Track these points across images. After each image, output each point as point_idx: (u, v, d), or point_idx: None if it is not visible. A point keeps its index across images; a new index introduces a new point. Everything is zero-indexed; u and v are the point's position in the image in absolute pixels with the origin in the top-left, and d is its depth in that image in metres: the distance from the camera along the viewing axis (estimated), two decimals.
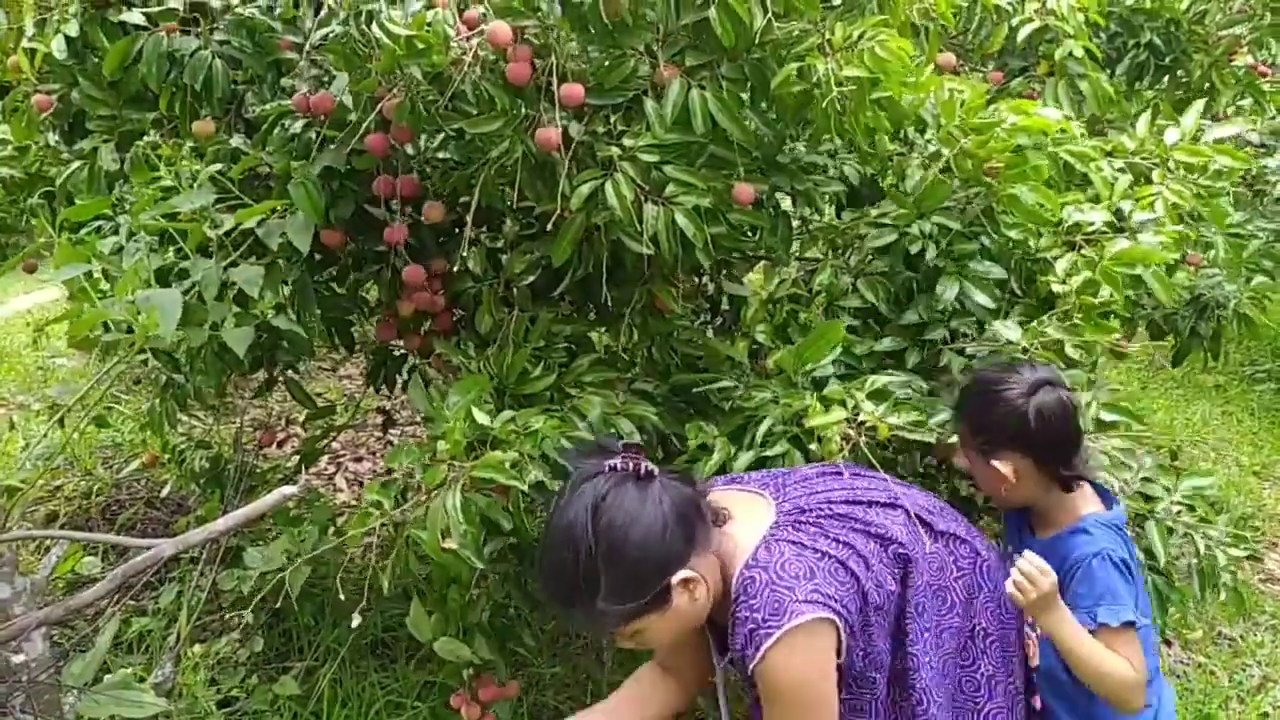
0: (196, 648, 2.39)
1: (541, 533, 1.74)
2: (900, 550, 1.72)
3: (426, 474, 1.99)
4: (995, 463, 1.87)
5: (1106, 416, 2.07)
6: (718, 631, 1.82)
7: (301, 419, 3.74)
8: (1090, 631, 1.77)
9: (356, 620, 2.07)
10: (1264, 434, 4.94)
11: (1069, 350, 1.99)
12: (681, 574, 1.63)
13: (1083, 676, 1.77)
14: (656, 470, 1.68)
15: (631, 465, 1.66)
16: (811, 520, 1.73)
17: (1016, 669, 1.85)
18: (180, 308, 1.90)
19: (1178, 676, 3.26)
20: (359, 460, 4.31)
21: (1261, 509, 4.30)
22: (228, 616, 2.71)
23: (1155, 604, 2.03)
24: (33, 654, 1.74)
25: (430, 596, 2.43)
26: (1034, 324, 2.07)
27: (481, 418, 2.03)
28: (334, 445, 4.38)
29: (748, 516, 1.76)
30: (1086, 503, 1.90)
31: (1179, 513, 2.02)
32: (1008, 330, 2.07)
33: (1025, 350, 2.05)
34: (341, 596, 2.24)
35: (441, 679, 2.67)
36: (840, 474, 1.87)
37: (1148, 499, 2.04)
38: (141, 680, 1.72)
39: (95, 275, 2.09)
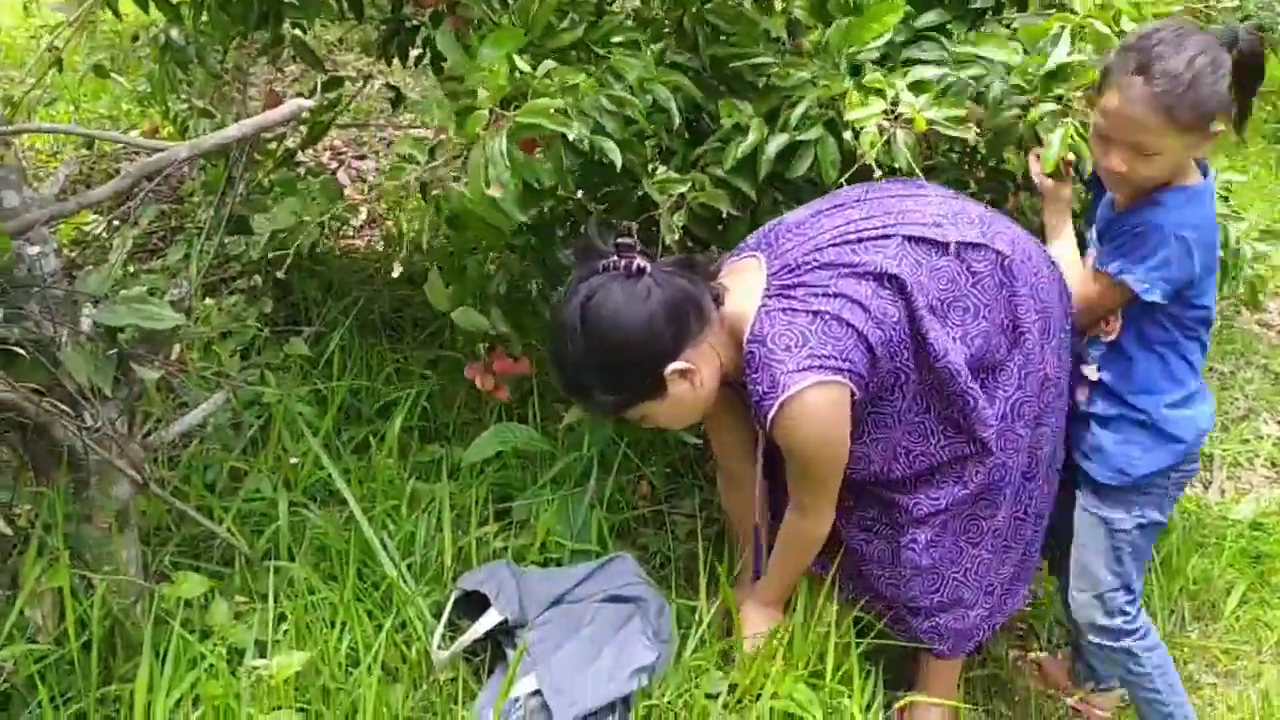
0: (208, 300, 2.39)
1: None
2: (896, 279, 1.73)
3: (466, 124, 1.90)
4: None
5: None
6: None
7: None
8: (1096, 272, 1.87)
9: (398, 269, 2.04)
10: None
11: (1126, 24, 1.89)
12: (674, 366, 1.71)
13: None
14: (649, 266, 1.72)
15: (624, 263, 1.70)
16: (799, 280, 1.76)
17: (1050, 358, 1.85)
18: None
19: None
20: (362, 159, 4.22)
21: (1265, 260, 4.29)
22: (235, 279, 2.71)
23: None
24: (46, 267, 1.72)
25: (448, 268, 2.41)
26: None
27: (524, 66, 1.93)
28: (336, 143, 4.29)
29: (742, 287, 1.80)
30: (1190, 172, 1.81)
31: None
32: None
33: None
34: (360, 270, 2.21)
35: (451, 353, 2.72)
36: (838, 207, 1.86)
37: None
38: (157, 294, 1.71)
39: None
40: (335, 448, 2.36)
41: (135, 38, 2.83)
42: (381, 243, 3.51)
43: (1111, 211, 1.88)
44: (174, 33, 2.73)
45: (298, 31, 2.69)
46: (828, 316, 1.70)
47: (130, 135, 2.35)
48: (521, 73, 1.91)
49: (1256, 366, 3.59)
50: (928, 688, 2.05)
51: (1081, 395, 1.96)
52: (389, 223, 3.62)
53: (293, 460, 2.15)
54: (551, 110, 1.83)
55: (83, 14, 1.85)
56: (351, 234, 3.65)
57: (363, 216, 3.73)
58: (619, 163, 1.93)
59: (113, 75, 3.20)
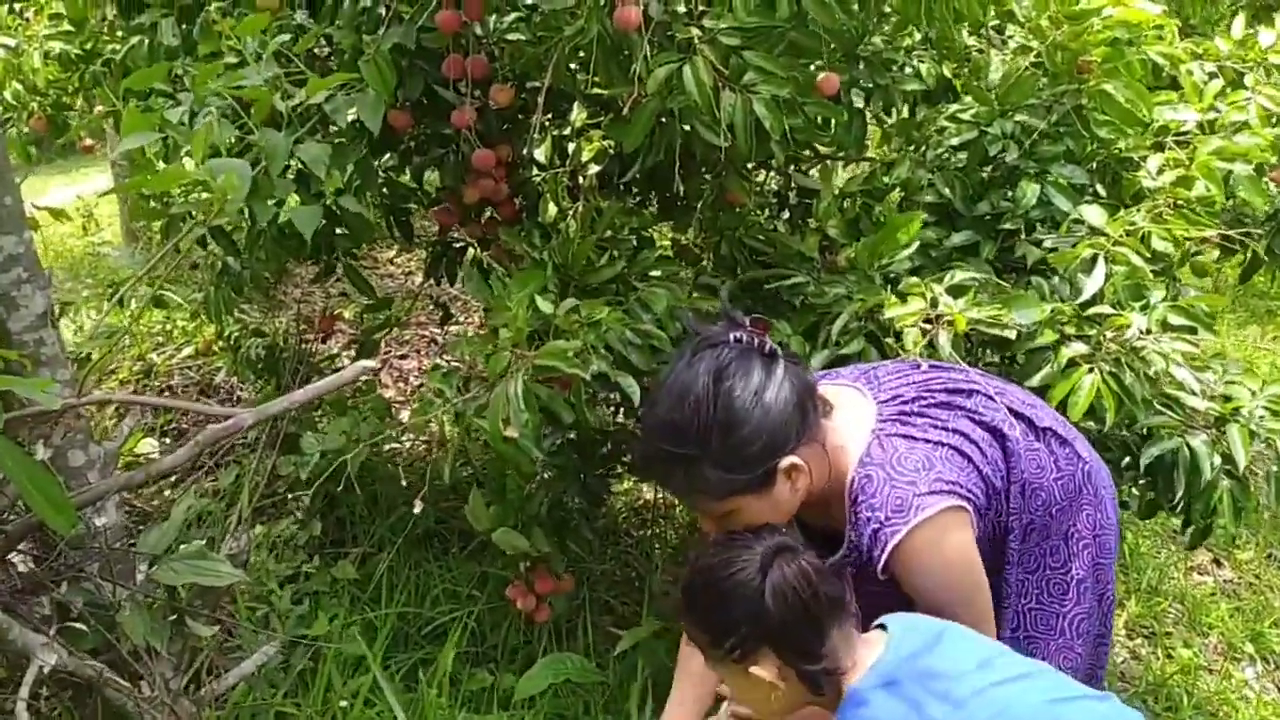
0: (258, 528, 2.40)
1: (653, 392, 1.68)
2: (1005, 442, 1.66)
3: (490, 362, 1.96)
4: (755, 669, 1.46)
5: (1174, 320, 1.96)
6: (809, 533, 1.80)
7: (348, 313, 3.74)
8: None
9: (419, 507, 2.07)
10: None
11: (1155, 243, 1.92)
12: (789, 459, 1.57)
13: None
14: (780, 351, 1.60)
15: (756, 341, 1.59)
16: (917, 410, 1.67)
17: (1107, 578, 1.79)
18: (250, 176, 1.86)
19: (1228, 596, 3.25)
20: (404, 359, 4.31)
21: None
22: (285, 501, 2.73)
23: (1229, 510, 1.98)
24: (110, 522, 1.75)
25: (489, 488, 2.43)
26: (1122, 213, 2.00)
27: (545, 306, 2.00)
28: (380, 343, 4.39)
29: (849, 409, 1.70)
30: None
31: (1262, 417, 1.96)
32: (1092, 215, 1.99)
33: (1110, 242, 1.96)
34: (404, 483, 2.24)
35: (497, 570, 2.70)
36: (932, 368, 1.79)
37: (1228, 400, 1.98)
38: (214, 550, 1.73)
39: (157, 149, 2.07)
40: (382, 679, 2.32)
41: (194, 265, 2.94)
42: (424, 447, 3.54)
43: None
44: (230, 260, 2.85)
45: (349, 260, 2.77)
46: (948, 448, 1.61)
47: (195, 403, 2.39)
48: (542, 312, 1.97)
49: None
50: None
51: None
52: (433, 427, 3.66)
53: (342, 703, 2.12)
54: (569, 353, 1.88)
55: (151, 265, 1.93)
56: (394, 437, 3.68)
57: (404, 416, 3.78)
58: (635, 398, 1.96)
59: (168, 292, 3.33)
